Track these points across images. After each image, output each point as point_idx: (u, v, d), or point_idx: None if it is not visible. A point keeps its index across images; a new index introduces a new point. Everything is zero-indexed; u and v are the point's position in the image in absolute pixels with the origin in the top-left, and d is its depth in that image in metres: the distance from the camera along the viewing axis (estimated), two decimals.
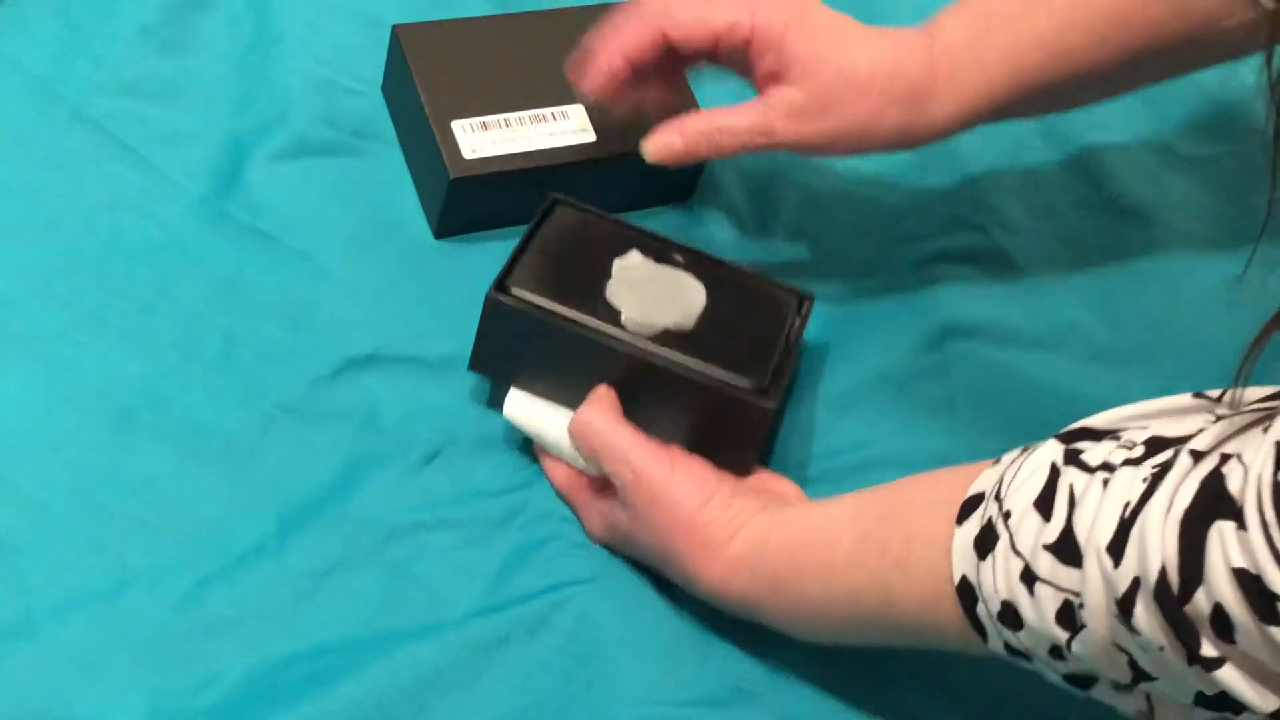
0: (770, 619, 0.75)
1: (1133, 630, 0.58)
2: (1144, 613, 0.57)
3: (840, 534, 0.72)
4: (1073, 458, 0.63)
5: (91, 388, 0.80)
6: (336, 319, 0.85)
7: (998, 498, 0.64)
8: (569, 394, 0.80)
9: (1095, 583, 0.59)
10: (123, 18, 0.93)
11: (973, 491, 0.66)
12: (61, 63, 0.91)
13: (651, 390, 0.79)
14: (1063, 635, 0.61)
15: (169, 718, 0.71)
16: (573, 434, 0.79)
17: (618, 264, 0.83)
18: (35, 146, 0.88)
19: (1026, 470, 0.64)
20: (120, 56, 0.92)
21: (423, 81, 0.89)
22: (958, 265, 0.96)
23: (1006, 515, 0.63)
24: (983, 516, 0.64)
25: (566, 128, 0.90)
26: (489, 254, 0.89)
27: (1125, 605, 0.58)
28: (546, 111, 0.90)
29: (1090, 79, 0.83)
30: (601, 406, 0.78)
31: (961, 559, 0.65)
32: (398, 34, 0.91)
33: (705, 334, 0.81)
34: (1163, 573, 0.56)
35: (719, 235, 0.95)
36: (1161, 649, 0.58)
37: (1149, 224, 1.01)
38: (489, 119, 0.89)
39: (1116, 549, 0.58)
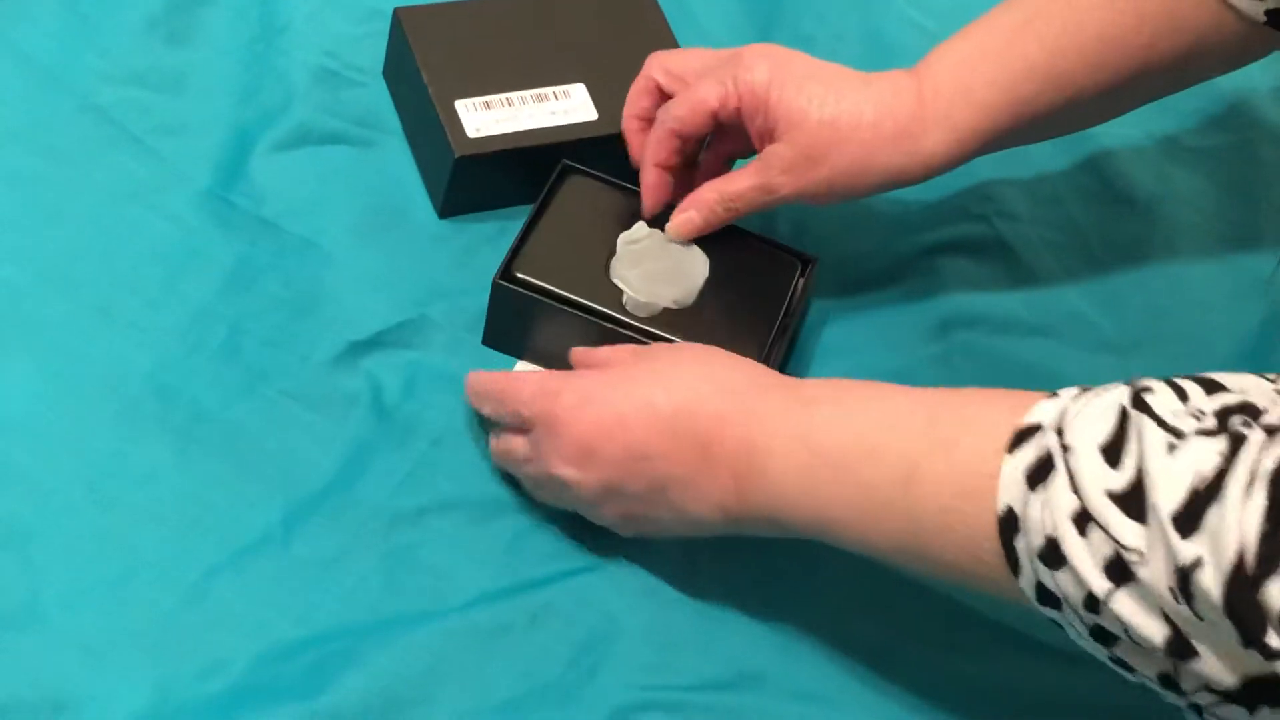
0: (786, 479, 0.72)
1: (1191, 602, 0.57)
2: (1208, 589, 0.56)
3: (893, 391, 0.71)
4: (1139, 401, 0.60)
5: (97, 377, 0.80)
6: (340, 305, 0.85)
7: (1059, 430, 0.62)
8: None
9: (1158, 547, 0.58)
10: (129, 8, 0.94)
11: (1029, 421, 0.63)
12: (68, 52, 0.91)
13: None
14: (1103, 586, 0.59)
15: (175, 705, 0.71)
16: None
17: (623, 238, 0.85)
18: (41, 136, 0.88)
19: (1094, 410, 0.61)
20: (126, 47, 0.92)
21: (425, 62, 0.90)
22: (960, 256, 0.96)
23: (1066, 449, 0.61)
24: (1040, 447, 0.62)
25: (568, 106, 0.91)
26: (492, 239, 0.90)
27: (1185, 576, 0.57)
28: (548, 90, 0.91)
29: (1086, 103, 0.83)
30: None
31: (1009, 488, 0.62)
32: (399, 17, 0.92)
33: (704, 312, 0.84)
34: (1240, 556, 0.55)
35: None
36: (1218, 624, 0.57)
37: (1152, 215, 1.01)
38: (491, 98, 0.89)
39: (1184, 520, 0.57)
